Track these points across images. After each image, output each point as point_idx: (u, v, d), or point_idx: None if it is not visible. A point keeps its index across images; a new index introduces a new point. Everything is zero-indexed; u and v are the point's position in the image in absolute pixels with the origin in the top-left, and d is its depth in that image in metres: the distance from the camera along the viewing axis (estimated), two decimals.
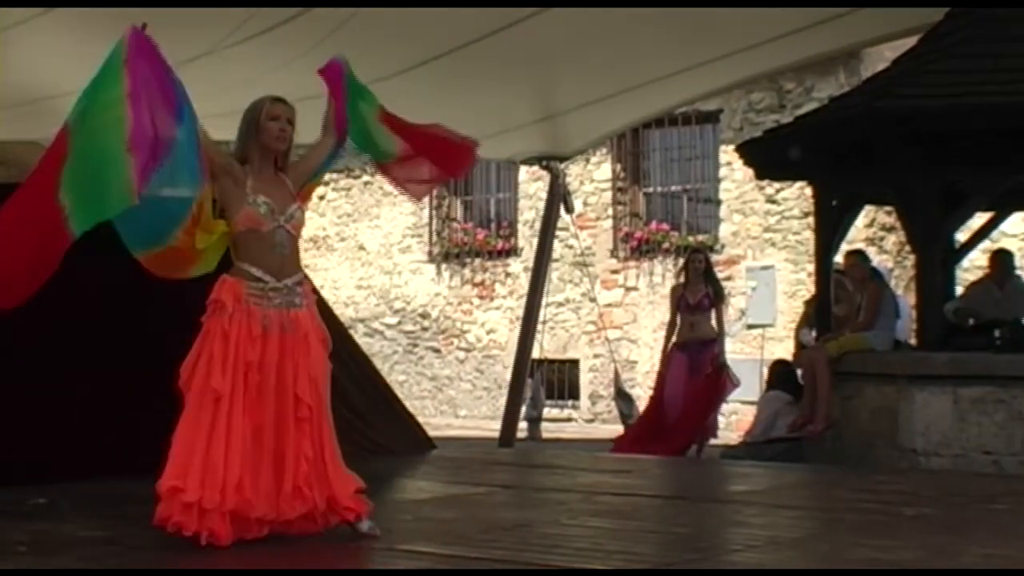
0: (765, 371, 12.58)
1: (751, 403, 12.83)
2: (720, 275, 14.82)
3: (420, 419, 10.03)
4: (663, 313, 12.66)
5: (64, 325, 7.43)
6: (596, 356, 17.14)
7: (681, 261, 12.96)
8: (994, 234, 12.37)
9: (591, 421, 16.99)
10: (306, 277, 5.69)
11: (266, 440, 5.38)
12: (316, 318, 5.66)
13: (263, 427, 5.37)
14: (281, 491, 5.36)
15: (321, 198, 19.89)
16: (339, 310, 7.03)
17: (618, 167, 17.42)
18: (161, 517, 5.21)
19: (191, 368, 5.34)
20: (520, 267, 17.68)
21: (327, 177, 19.63)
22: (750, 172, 12.41)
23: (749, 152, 10.97)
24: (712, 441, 11.65)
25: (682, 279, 11.87)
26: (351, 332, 11.16)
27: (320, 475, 5.45)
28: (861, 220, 13.04)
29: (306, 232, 21.87)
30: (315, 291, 5.87)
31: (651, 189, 17.60)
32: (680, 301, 11.61)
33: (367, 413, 9.08)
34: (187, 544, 5.19)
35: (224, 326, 5.37)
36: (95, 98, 5.41)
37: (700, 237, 16.77)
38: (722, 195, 16.59)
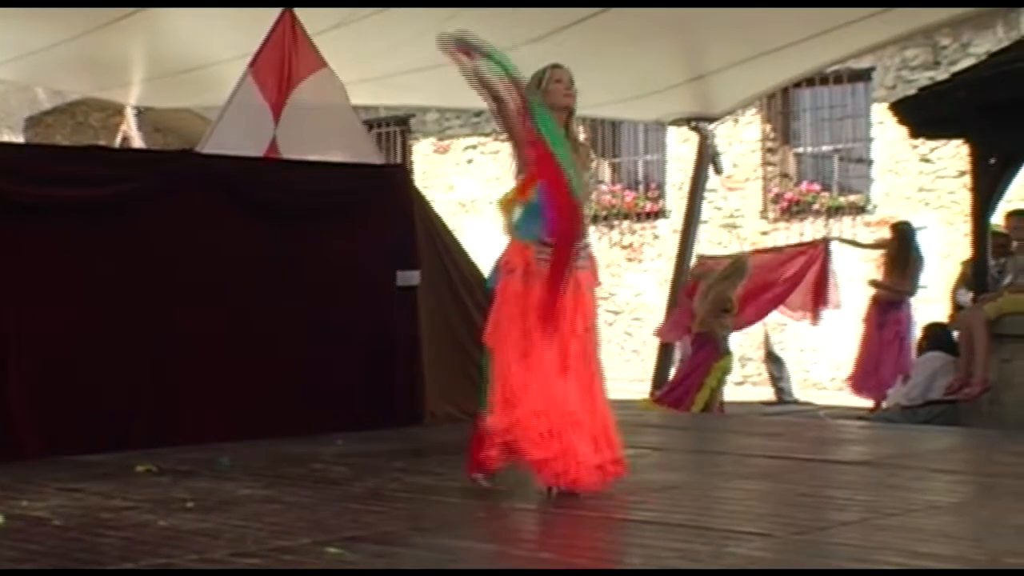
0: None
1: None
2: (872, 236, 14.60)
3: None
4: None
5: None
6: None
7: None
8: None
9: (740, 384, 16.85)
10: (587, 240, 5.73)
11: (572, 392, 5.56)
12: (595, 274, 5.77)
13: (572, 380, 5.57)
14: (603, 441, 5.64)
15: (469, 162, 19.99)
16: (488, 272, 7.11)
17: (768, 127, 17.23)
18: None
19: (493, 327, 5.59)
20: (668, 229, 17.59)
21: (472, 140, 19.79)
22: (903, 131, 12.17)
23: (904, 110, 10.76)
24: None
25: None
26: None
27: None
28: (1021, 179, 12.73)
29: (455, 195, 21.89)
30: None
31: (801, 149, 17.38)
32: None
33: None
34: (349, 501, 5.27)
35: (515, 287, 5.52)
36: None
37: (852, 198, 16.52)
38: (874, 155, 16.30)
